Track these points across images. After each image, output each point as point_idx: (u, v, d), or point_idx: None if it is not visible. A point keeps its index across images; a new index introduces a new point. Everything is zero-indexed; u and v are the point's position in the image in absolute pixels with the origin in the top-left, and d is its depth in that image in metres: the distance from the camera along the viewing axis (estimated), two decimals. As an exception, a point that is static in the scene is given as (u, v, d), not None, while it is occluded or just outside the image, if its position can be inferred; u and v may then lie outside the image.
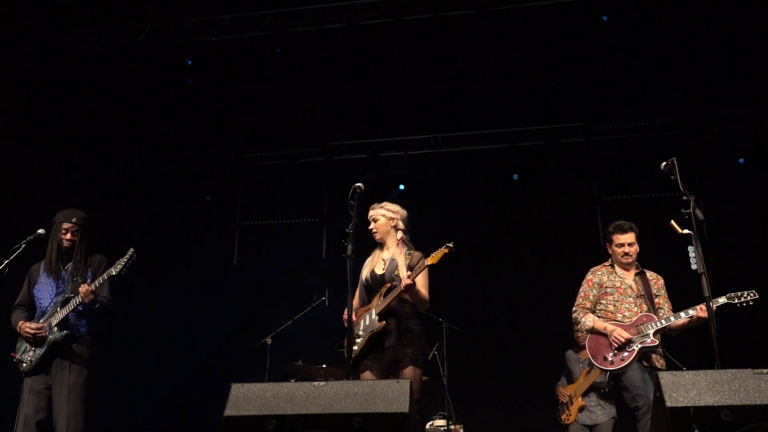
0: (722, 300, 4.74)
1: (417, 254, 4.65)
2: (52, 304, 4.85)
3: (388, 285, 4.60)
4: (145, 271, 8.84)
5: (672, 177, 4.19)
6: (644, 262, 5.26)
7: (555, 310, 8.13)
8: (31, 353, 4.75)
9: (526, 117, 8.85)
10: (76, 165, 9.70)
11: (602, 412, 6.76)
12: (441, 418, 6.72)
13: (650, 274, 5.18)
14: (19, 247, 4.81)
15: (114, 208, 9.23)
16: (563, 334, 7.32)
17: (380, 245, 4.85)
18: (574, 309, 5.26)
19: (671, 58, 7.91)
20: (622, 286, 5.09)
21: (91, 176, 9.72)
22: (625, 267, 5.18)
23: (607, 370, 4.97)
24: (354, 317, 4.62)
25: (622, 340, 4.83)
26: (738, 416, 2.97)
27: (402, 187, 9.13)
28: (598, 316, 5.10)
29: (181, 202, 9.62)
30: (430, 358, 6.68)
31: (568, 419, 6.88)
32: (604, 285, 5.15)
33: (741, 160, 8.49)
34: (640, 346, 4.82)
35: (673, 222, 4.58)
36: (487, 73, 8.30)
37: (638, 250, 5.16)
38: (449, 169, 9.22)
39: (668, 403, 3.05)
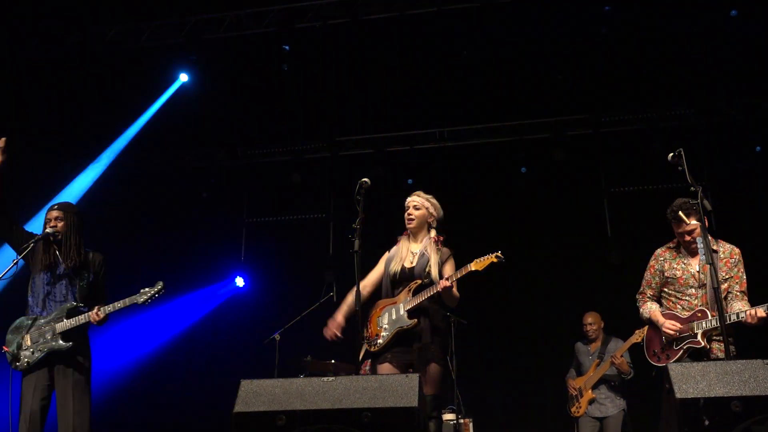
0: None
1: (446, 250, 4.62)
2: (46, 293, 4.79)
3: (419, 282, 4.53)
4: (153, 267, 8.95)
5: (679, 168, 4.15)
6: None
7: (563, 302, 8.15)
8: (28, 353, 4.68)
9: (532, 109, 8.83)
10: (83, 165, 9.73)
11: (612, 405, 6.75)
12: (450, 412, 6.72)
13: (723, 250, 4.59)
14: (28, 246, 4.80)
15: (121, 206, 9.27)
16: (572, 326, 7.31)
17: (408, 236, 4.75)
18: (636, 296, 4.87)
19: (677, 47, 7.86)
20: (684, 276, 4.59)
21: (98, 176, 9.75)
22: (691, 252, 4.61)
23: (654, 366, 4.57)
24: (377, 309, 4.59)
25: (671, 333, 4.47)
26: (748, 407, 2.95)
27: (410, 181, 9.13)
28: (662, 305, 4.72)
29: (188, 199, 9.65)
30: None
31: (578, 412, 6.87)
32: (666, 273, 4.67)
33: (758, 149, 8.43)
34: (687, 345, 4.43)
35: (680, 213, 4.56)
36: (493, 67, 8.28)
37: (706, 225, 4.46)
38: (456, 163, 9.21)
39: (678, 395, 3.04)
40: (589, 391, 6.82)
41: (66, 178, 9.39)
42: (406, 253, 4.68)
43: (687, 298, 4.57)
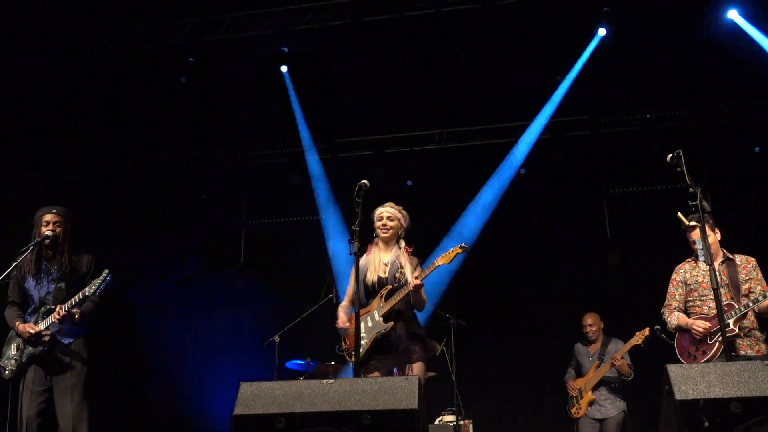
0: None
1: (415, 259, 4.73)
2: (46, 296, 4.79)
3: (390, 287, 4.60)
4: (153, 270, 8.95)
5: (678, 169, 4.16)
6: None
7: (562, 303, 8.15)
8: (12, 362, 4.68)
9: (531, 111, 8.82)
10: (84, 166, 9.72)
11: (612, 406, 6.74)
12: (450, 414, 6.72)
13: (739, 259, 4.88)
14: (27, 249, 4.78)
15: (122, 207, 9.26)
16: (571, 327, 7.31)
17: (377, 246, 4.81)
18: (662, 311, 5.05)
19: (676, 48, 7.86)
20: (705, 279, 4.82)
21: (98, 177, 9.74)
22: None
23: None
24: (353, 321, 4.59)
25: (701, 329, 4.65)
26: (748, 408, 2.95)
27: (410, 182, 9.13)
28: (689, 314, 4.89)
29: (187, 200, 9.64)
30: (438, 354, 6.68)
31: (578, 413, 6.86)
32: (688, 282, 4.93)
33: (757, 149, 8.43)
34: (721, 338, 4.48)
35: (680, 214, 4.60)
36: (492, 68, 8.27)
37: (718, 238, 4.87)
38: (455, 164, 9.21)
39: (678, 396, 3.03)
40: (590, 393, 6.81)
41: (66, 179, 9.40)
42: (379, 263, 4.74)
43: (712, 297, 4.62)
